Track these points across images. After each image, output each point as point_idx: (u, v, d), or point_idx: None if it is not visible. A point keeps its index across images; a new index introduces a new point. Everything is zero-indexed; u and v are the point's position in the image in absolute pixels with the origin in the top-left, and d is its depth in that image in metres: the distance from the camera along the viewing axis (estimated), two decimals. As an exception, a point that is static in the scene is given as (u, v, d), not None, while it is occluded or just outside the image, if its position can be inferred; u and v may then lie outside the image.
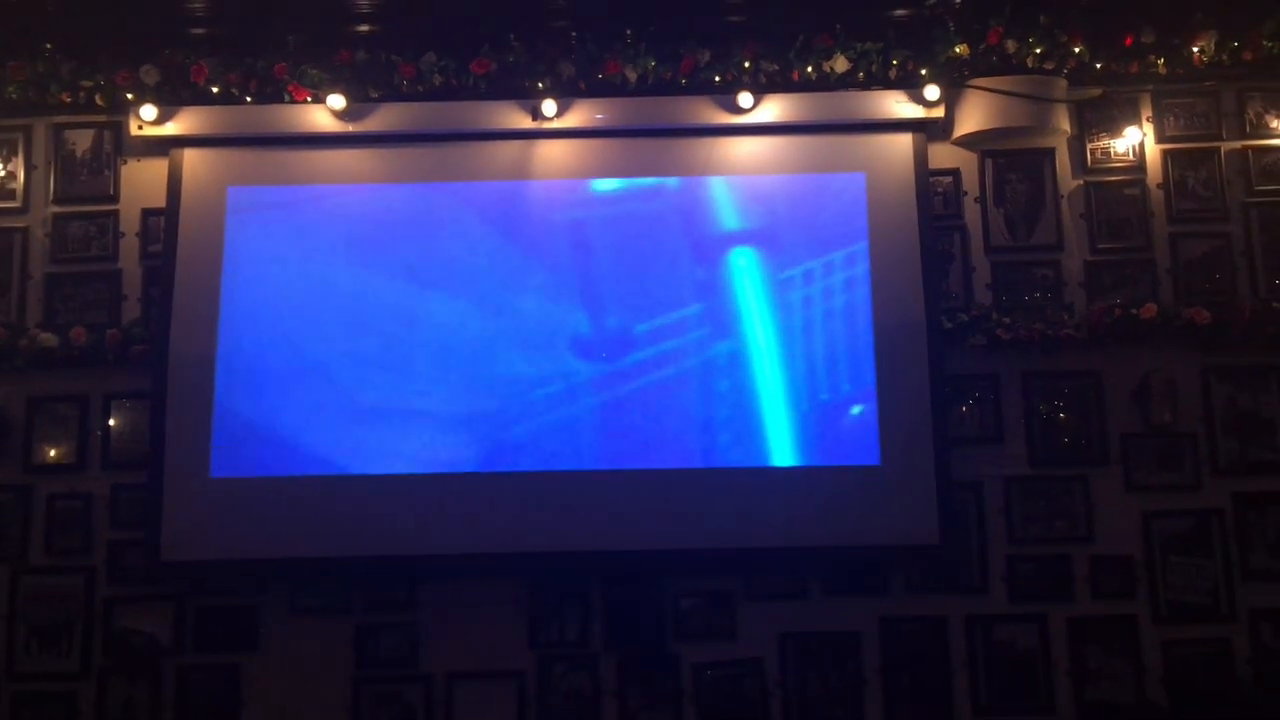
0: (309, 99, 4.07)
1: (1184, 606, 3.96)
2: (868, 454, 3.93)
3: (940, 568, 3.94)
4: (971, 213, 4.18)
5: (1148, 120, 4.21)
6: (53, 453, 4.03)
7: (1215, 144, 4.18)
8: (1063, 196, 4.18)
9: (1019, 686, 3.93)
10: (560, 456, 3.94)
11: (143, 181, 4.16)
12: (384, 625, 3.95)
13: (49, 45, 4.08)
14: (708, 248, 4.06)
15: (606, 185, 4.12)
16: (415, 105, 4.09)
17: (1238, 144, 4.18)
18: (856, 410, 3.95)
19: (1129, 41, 4.11)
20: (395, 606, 3.96)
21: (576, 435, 3.97)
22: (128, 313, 4.10)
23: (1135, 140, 4.18)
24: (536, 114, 4.02)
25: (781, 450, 3.95)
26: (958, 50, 4.05)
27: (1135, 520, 4.01)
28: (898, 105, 4.07)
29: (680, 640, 3.95)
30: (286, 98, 4.09)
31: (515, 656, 3.94)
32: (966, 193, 4.19)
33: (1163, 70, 4.16)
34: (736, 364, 4.00)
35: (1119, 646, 3.94)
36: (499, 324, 4.01)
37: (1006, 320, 4.03)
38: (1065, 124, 4.13)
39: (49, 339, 4.01)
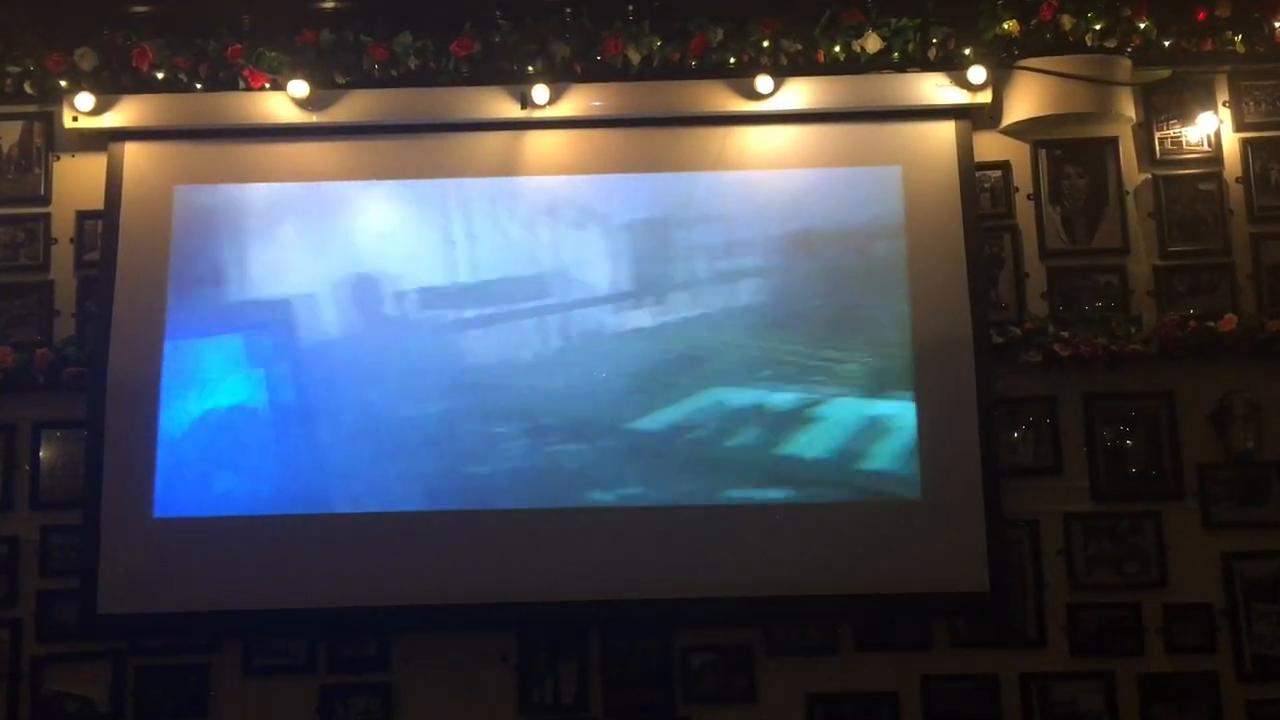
0: (267, 86, 4.01)
1: (1271, 661, 3.87)
2: (906, 487, 3.85)
3: (990, 618, 3.86)
4: (1024, 211, 4.10)
5: (1224, 105, 4.12)
6: None
7: None
8: (1128, 192, 4.10)
9: None
10: (553, 492, 3.86)
11: (78, 180, 4.10)
12: (353, 686, 3.87)
13: None
14: (720, 254, 3.98)
15: (606, 182, 4.04)
16: (388, 92, 4.03)
17: (1327, 132, 4.10)
18: (893, 437, 3.86)
19: (1202, 16, 4.04)
20: (366, 664, 3.87)
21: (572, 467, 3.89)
22: (60, 330, 4.02)
23: (1210, 128, 4.09)
24: (526, 101, 3.95)
25: (807, 483, 3.86)
26: (1006, 27, 3.99)
27: (1214, 563, 3.91)
28: (938, 89, 4.00)
29: (692, 702, 3.88)
30: (241, 85, 4.03)
31: None
32: (1018, 188, 4.11)
33: (1240, 48, 4.08)
34: (756, 384, 3.95)
35: (1197, 708, 3.86)
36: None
37: (1065, 334, 3.95)
38: (1130, 110, 4.05)
39: None
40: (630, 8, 3.97)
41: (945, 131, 4.00)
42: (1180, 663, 3.85)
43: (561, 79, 3.98)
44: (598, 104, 4.00)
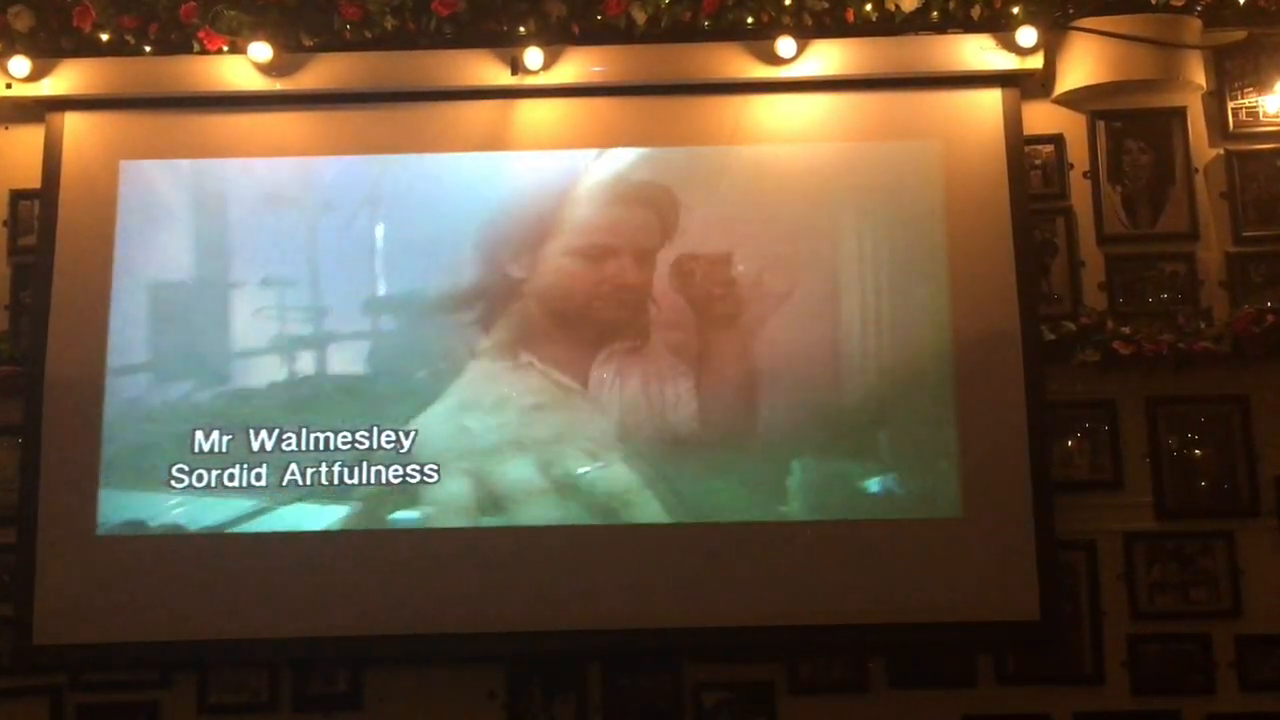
0: (224, 49, 3.94)
1: None
2: (947, 503, 3.77)
3: (1041, 650, 3.79)
4: (1079, 191, 4.02)
5: None
6: None
7: None
8: (1197, 170, 4.02)
9: None
10: (549, 508, 3.79)
11: (12, 155, 4.04)
12: None
13: None
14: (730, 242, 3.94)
15: (606, 157, 3.95)
16: (362, 56, 3.95)
17: None
18: (930, 446, 3.78)
19: None
20: (336, 702, 3.81)
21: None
22: None
23: None
24: (517, 66, 3.87)
25: (833, 500, 3.78)
26: None
27: None
28: (983, 54, 3.92)
29: None
30: (196, 47, 3.95)
31: None
32: (1073, 165, 4.03)
33: None
34: (777, 387, 3.96)
35: None
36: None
37: (1125, 330, 3.86)
38: (1199, 77, 3.95)
39: None
40: None
41: (990, 101, 3.93)
42: (1256, 702, 3.78)
43: (557, 41, 3.91)
44: (598, 69, 3.94)
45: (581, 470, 3.77)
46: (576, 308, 3.86)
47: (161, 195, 3.92)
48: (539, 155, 3.94)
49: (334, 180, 3.93)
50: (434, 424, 3.78)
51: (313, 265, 3.87)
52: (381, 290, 3.89)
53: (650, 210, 3.92)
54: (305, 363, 3.85)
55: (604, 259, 3.87)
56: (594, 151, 3.93)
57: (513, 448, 3.77)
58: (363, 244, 3.91)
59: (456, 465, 3.77)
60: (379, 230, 3.92)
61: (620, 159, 3.91)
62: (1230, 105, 4.01)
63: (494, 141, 3.94)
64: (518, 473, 3.77)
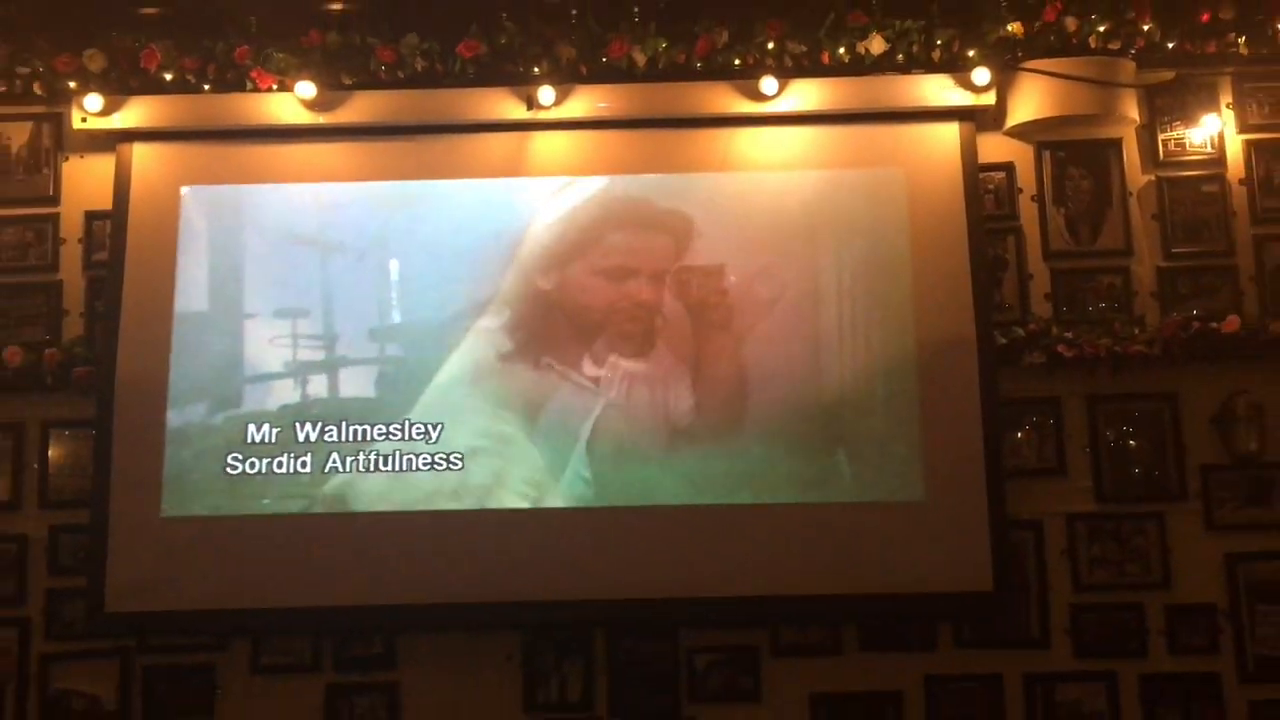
0: (274, 87, 4.11)
1: (1275, 662, 3.97)
2: (911, 489, 3.95)
3: (994, 619, 3.97)
4: (1028, 213, 4.21)
5: (1228, 107, 4.23)
6: None
7: None
8: (1131, 194, 4.20)
9: None
10: (559, 492, 3.97)
11: (86, 181, 4.21)
12: (359, 685, 3.98)
13: None
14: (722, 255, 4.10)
15: (612, 183, 4.15)
16: (395, 93, 4.13)
17: (1332, 133, 4.22)
18: (897, 438, 3.97)
19: (1205, 18, 4.15)
20: (372, 664, 3.99)
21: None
22: (69, 329, 4.14)
23: (1214, 130, 4.20)
24: (532, 103, 4.05)
25: (811, 484, 3.96)
26: (1010, 29, 4.08)
27: (1218, 564, 4.01)
28: (942, 91, 4.10)
29: (697, 702, 3.98)
30: (249, 86, 4.13)
31: None
32: (1022, 190, 4.22)
33: (1244, 50, 4.18)
34: (761, 386, 4.05)
35: (1200, 709, 3.95)
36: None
37: (1068, 335, 4.04)
38: (1134, 112, 4.15)
39: None
40: (636, 9, 4.07)
41: (949, 133, 4.11)
42: (1183, 664, 3.95)
43: (567, 80, 4.07)
44: (603, 105, 4.10)
45: (591, 458, 3.94)
46: (596, 319, 4.01)
47: (218, 216, 4.09)
48: (558, 181, 4.10)
49: (375, 202, 4.10)
50: (460, 417, 3.95)
51: (350, 277, 4.04)
52: (416, 297, 4.04)
53: (668, 235, 4.06)
54: (345, 363, 4.00)
55: (625, 278, 4.02)
56: (606, 178, 4.10)
57: (531, 438, 3.94)
58: (400, 257, 4.07)
59: (480, 454, 3.93)
60: (414, 246, 4.07)
61: (627, 183, 4.10)
62: (1160, 137, 4.19)
63: (512, 168, 4.11)
64: (535, 460, 3.93)
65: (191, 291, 4.05)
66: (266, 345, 4.02)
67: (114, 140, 4.14)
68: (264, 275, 4.08)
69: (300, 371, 4.02)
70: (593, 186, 4.12)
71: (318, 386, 4.02)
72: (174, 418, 3.97)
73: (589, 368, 4.00)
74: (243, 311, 4.05)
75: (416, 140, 4.15)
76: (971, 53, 4.09)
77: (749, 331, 4.03)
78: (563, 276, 4.06)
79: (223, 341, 4.04)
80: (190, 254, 4.07)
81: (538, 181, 4.14)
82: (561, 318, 4.04)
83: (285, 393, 4.01)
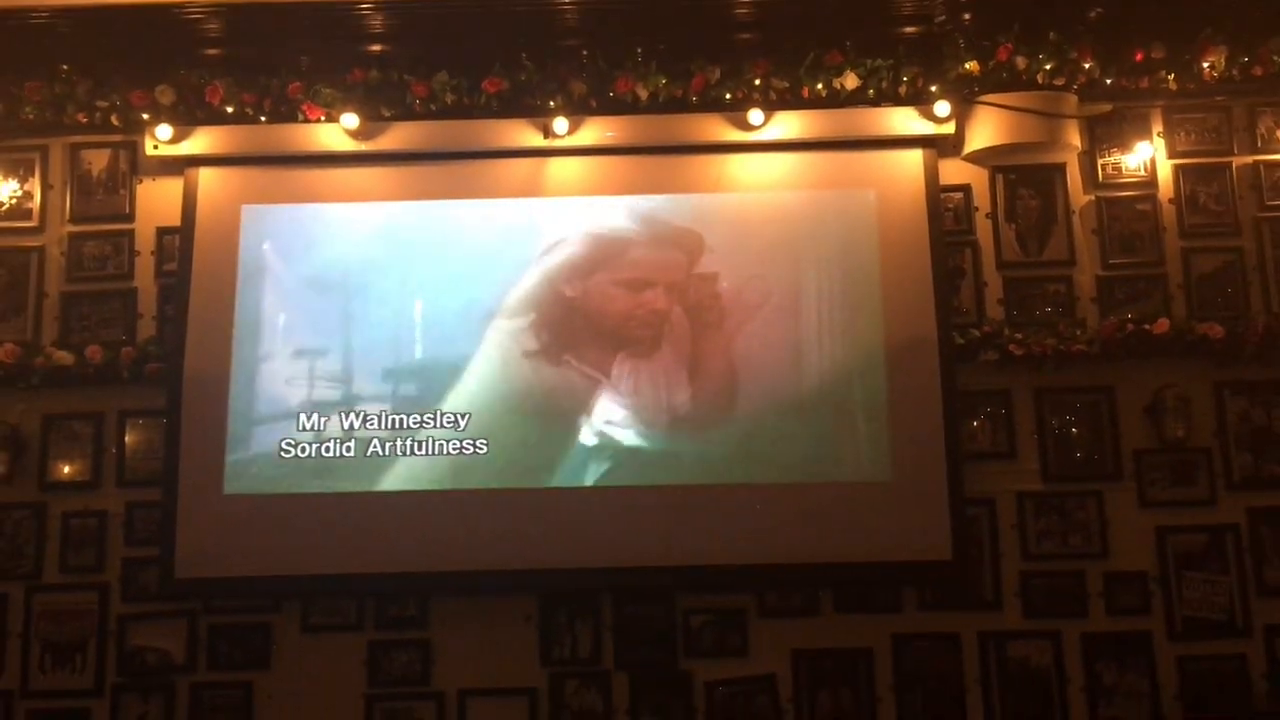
0: (322, 118, 4.31)
1: (1199, 623, 4.18)
2: (880, 470, 4.16)
3: (953, 584, 4.16)
4: (983, 228, 4.41)
5: (1159, 135, 4.44)
6: (67, 470, 4.30)
7: (1227, 159, 4.43)
8: (1074, 212, 4.40)
9: (1033, 704, 4.15)
10: (570, 473, 4.21)
11: (158, 200, 4.42)
12: (396, 642, 4.21)
13: (65, 67, 4.34)
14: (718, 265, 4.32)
15: (618, 202, 4.37)
16: (428, 124, 4.33)
17: (1249, 159, 4.44)
18: (869, 426, 4.19)
19: (1139, 57, 4.33)
20: (408, 623, 4.20)
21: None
22: (143, 330, 4.36)
23: (1146, 155, 4.41)
24: (548, 132, 4.26)
25: (793, 466, 4.17)
26: (968, 67, 4.26)
27: (1149, 536, 4.23)
28: (908, 122, 4.31)
29: (692, 657, 4.19)
30: (300, 117, 4.33)
31: (527, 673, 4.19)
32: (978, 208, 4.41)
33: (1173, 86, 4.37)
34: (748, 381, 4.24)
35: (1134, 663, 4.16)
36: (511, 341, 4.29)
37: (1019, 336, 4.23)
38: (1076, 140, 4.34)
39: (64, 357, 4.28)
40: (639, 51, 4.27)
41: (914, 159, 4.33)
42: (1119, 624, 4.17)
43: (579, 112, 4.27)
44: (611, 134, 4.32)
45: (600, 443, 4.16)
46: (614, 323, 4.21)
47: (273, 231, 4.31)
48: (577, 201, 4.31)
49: (411, 218, 4.30)
50: (486, 407, 4.17)
51: (390, 284, 4.24)
52: (447, 302, 4.24)
53: (682, 252, 4.24)
54: (385, 362, 4.22)
55: (643, 289, 4.21)
56: (624, 199, 4.29)
57: (549, 425, 4.17)
58: (433, 268, 4.26)
59: (503, 439, 4.15)
60: (445, 258, 4.27)
61: (639, 204, 4.29)
62: (1100, 162, 4.40)
63: (530, 189, 4.32)
64: (551, 445, 4.16)
65: (249, 298, 4.28)
66: (314, 346, 4.25)
67: (182, 165, 4.35)
68: (312, 283, 4.29)
69: (345, 367, 4.24)
70: (614, 207, 4.31)
71: (359, 381, 4.23)
72: (234, 408, 4.20)
73: (603, 365, 4.19)
74: (294, 317, 4.28)
75: (447, 165, 4.36)
76: (934, 88, 4.28)
77: (738, 332, 4.20)
78: (586, 285, 4.25)
79: (277, 342, 4.26)
80: (248, 265, 4.29)
81: (554, 201, 4.35)
82: (582, 321, 4.22)
83: (331, 387, 4.23)
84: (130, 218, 4.45)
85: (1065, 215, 4.42)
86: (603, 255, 4.28)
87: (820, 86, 4.31)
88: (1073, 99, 4.33)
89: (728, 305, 4.23)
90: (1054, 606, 4.20)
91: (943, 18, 4.23)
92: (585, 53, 4.31)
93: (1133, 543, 4.24)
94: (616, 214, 4.33)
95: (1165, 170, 4.46)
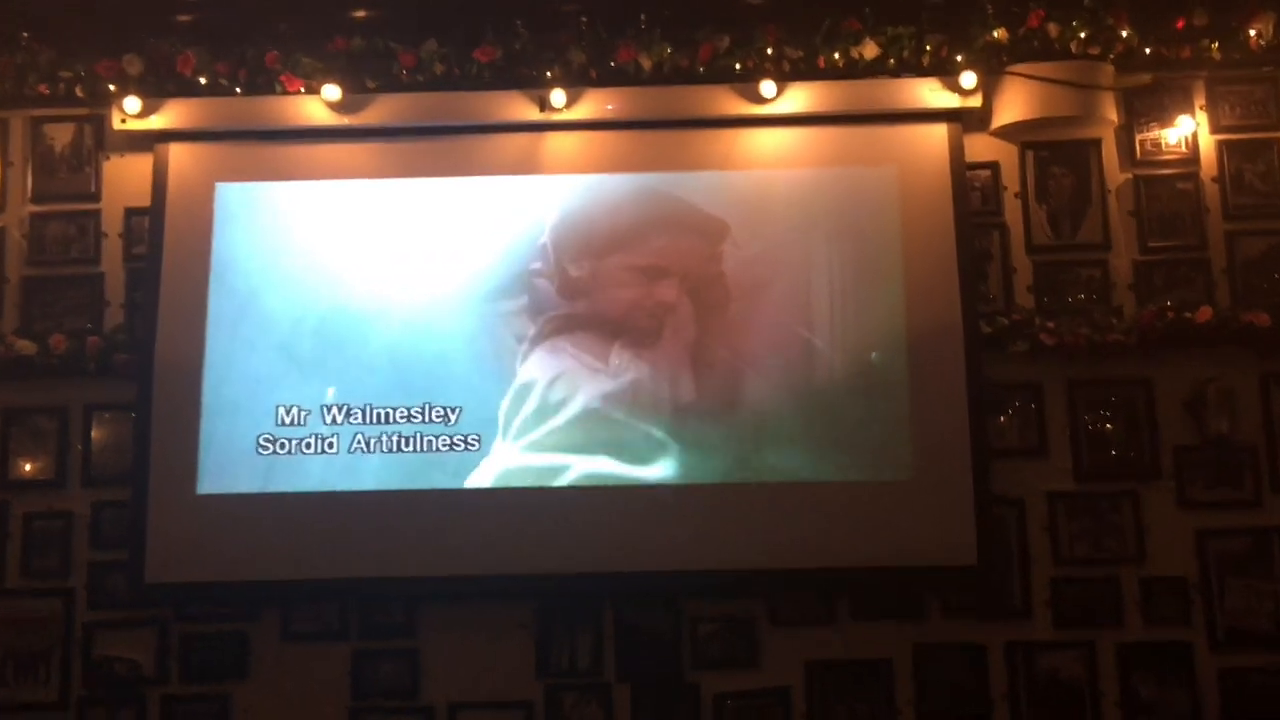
0: (302, 90, 4.21)
1: (1243, 633, 4.07)
2: (901, 467, 4.05)
3: (978, 590, 4.06)
4: (1012, 209, 4.29)
5: (1201, 109, 4.31)
6: (29, 468, 4.20)
7: (1274, 134, 4.30)
8: (1110, 191, 4.29)
9: (1064, 719, 4.05)
10: (570, 471, 4.09)
11: (126, 179, 4.31)
12: (382, 652, 4.09)
13: (25, 34, 4.23)
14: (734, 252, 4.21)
15: (620, 181, 4.25)
16: (415, 96, 4.23)
17: (1299, 134, 4.30)
18: (888, 421, 4.08)
19: (1180, 24, 4.22)
20: (394, 631, 4.10)
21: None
22: (110, 319, 4.24)
23: (1188, 130, 4.28)
24: (544, 105, 4.15)
25: (806, 463, 4.07)
26: (996, 35, 4.17)
27: (1189, 539, 4.12)
28: (931, 94, 4.19)
29: (699, 668, 4.09)
30: (278, 89, 4.23)
31: (522, 686, 4.08)
32: (1006, 187, 4.30)
33: (1217, 55, 4.25)
34: (760, 371, 4.15)
35: (1173, 676, 4.06)
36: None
37: (1050, 325, 4.14)
38: (1112, 113, 4.23)
39: (26, 346, 4.17)
40: (642, 17, 4.18)
41: (938, 134, 4.21)
42: (1157, 633, 4.06)
43: (578, 84, 4.17)
44: (611, 107, 4.20)
45: (599, 440, 4.05)
46: (620, 311, 4.12)
47: (250, 211, 4.18)
48: (578, 179, 4.20)
49: (397, 197, 4.19)
50: (478, 400, 4.06)
51: (375, 267, 4.14)
52: (435, 286, 4.11)
53: (703, 239, 4.15)
54: (370, 350, 4.08)
55: (657, 278, 4.12)
56: (637, 175, 4.19)
57: (544, 420, 4.05)
58: (420, 249, 4.15)
59: (495, 435, 4.04)
60: (433, 238, 4.15)
61: (659, 181, 4.19)
62: (1138, 137, 4.28)
63: (525, 167, 4.20)
64: (547, 441, 4.04)
65: (224, 283, 4.15)
66: (294, 334, 4.13)
67: (152, 140, 4.23)
68: (292, 266, 4.16)
69: (327, 359, 4.12)
70: (629, 184, 4.20)
71: (343, 372, 4.10)
72: (208, 401, 4.08)
73: (602, 354, 4.09)
74: (272, 302, 4.15)
75: (435, 140, 4.24)
76: (959, 57, 4.18)
77: (745, 316, 4.11)
78: (596, 267, 4.15)
79: (253, 330, 4.14)
80: (223, 248, 4.17)
81: (551, 179, 4.23)
82: (585, 305, 4.13)
83: (312, 379, 4.10)
84: (96, 197, 4.33)
85: (1100, 195, 4.30)
86: (620, 237, 4.18)
87: (837, 56, 4.23)
88: (1109, 69, 4.22)
89: (732, 285, 4.14)
90: (1087, 615, 4.10)
91: (969, -19, 4.14)
92: (584, 19, 4.22)
93: (1172, 547, 4.12)
94: (638, 192, 4.22)
95: (1208, 146, 4.32)
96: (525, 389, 4.12)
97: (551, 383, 4.10)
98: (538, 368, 4.12)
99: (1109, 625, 4.09)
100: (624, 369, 4.11)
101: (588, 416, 4.09)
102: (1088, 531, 4.13)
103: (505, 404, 4.11)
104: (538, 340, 4.13)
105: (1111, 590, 4.11)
